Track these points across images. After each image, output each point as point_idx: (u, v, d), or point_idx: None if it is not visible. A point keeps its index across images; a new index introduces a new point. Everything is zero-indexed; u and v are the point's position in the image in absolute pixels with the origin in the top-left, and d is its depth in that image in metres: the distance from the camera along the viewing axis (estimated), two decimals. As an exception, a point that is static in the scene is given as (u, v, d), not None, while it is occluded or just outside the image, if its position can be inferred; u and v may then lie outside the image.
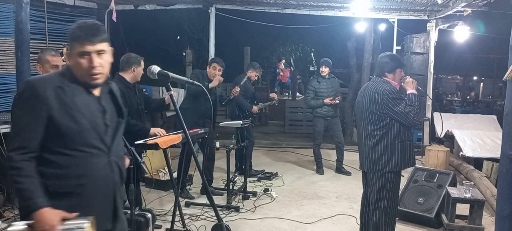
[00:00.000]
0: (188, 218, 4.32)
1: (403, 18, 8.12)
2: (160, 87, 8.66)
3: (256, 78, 6.54)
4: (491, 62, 17.67)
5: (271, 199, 5.17)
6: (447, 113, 9.58)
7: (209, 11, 8.03)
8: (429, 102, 8.05)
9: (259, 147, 8.24)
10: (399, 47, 8.35)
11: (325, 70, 6.35)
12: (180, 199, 4.24)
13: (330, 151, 7.50)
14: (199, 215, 4.47)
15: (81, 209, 1.79)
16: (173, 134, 3.71)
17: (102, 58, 1.84)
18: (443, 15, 7.49)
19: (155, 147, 3.31)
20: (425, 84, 7.84)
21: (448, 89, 21.76)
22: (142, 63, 3.91)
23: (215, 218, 2.28)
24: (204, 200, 4.90)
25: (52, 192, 1.78)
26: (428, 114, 8.10)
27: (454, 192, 4.19)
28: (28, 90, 1.78)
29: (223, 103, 5.59)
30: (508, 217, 2.68)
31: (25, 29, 3.44)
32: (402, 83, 3.44)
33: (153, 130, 3.83)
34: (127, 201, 3.07)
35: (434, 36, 8.01)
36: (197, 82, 2.56)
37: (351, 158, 6.82)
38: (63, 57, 3.56)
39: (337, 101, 6.30)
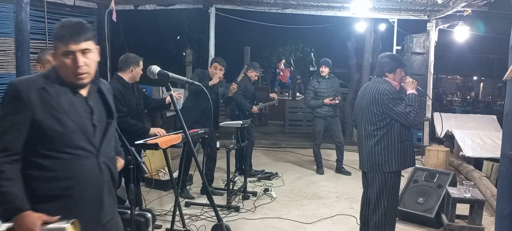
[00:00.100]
0: (188, 218, 4.32)
1: (403, 18, 8.12)
2: (160, 87, 8.66)
3: (256, 78, 6.54)
4: (491, 62, 17.66)
5: (271, 199, 5.17)
6: (447, 113, 9.58)
7: (209, 11, 8.03)
8: (429, 102, 8.05)
9: (259, 147, 8.24)
10: (399, 47, 8.36)
11: (325, 70, 6.35)
12: (180, 199, 4.24)
13: (330, 151, 7.50)
14: (199, 215, 4.47)
15: (70, 211, 1.76)
16: (173, 134, 3.71)
17: (88, 57, 1.80)
18: (443, 15, 7.49)
19: (155, 147, 3.31)
20: (425, 84, 7.84)
21: (448, 89, 21.75)
22: (141, 63, 3.89)
23: (215, 218, 2.27)
24: (204, 200, 4.90)
25: (40, 195, 1.75)
26: (428, 115, 8.10)
27: (454, 192, 4.19)
28: (11, 92, 1.75)
29: (222, 100, 5.59)
30: (508, 217, 2.68)
31: (25, 29, 3.44)
32: (402, 84, 3.44)
33: (153, 130, 3.83)
34: (127, 201, 3.07)
35: (434, 36, 8.01)
36: (197, 82, 2.56)
37: (351, 158, 6.82)
38: None
39: (337, 102, 6.30)
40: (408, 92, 3.36)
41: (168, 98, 4.19)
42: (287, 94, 15.59)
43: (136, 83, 3.98)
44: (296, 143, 9.10)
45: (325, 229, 4.33)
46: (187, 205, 4.78)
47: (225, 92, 5.53)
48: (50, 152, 1.76)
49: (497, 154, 5.39)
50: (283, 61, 16.58)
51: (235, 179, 5.06)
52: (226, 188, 4.84)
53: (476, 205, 4.09)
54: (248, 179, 5.50)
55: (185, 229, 3.75)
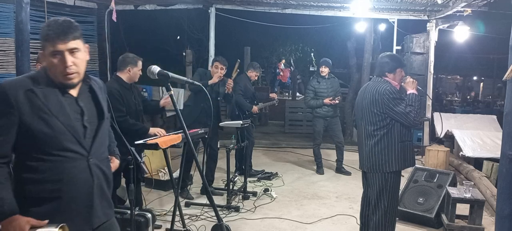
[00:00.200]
0: (188, 218, 4.32)
1: (403, 18, 8.12)
2: (160, 87, 8.66)
3: (256, 78, 6.53)
4: (491, 62, 17.65)
5: (271, 199, 5.17)
6: (447, 113, 9.57)
7: (209, 11, 8.03)
8: (429, 102, 8.05)
9: (259, 147, 8.24)
10: (399, 47, 8.36)
11: (325, 70, 6.35)
12: (180, 199, 4.24)
13: (330, 151, 7.50)
14: (199, 215, 4.47)
15: (59, 214, 1.74)
16: (173, 134, 3.71)
17: (76, 57, 1.76)
18: (443, 15, 7.49)
19: (155, 147, 3.30)
20: (425, 84, 7.84)
21: (448, 89, 21.79)
22: (139, 63, 3.88)
23: (215, 218, 2.28)
24: (204, 200, 4.90)
25: (30, 198, 1.74)
26: (428, 115, 8.10)
27: (454, 192, 4.19)
28: None
29: (219, 97, 5.58)
30: (508, 217, 2.68)
31: (25, 29, 3.44)
32: (403, 84, 3.43)
33: (152, 130, 3.83)
34: (127, 201, 3.07)
35: (434, 36, 8.01)
36: (197, 82, 2.57)
37: (351, 158, 6.82)
38: None
39: (337, 102, 6.30)
40: (408, 92, 3.36)
41: (162, 102, 4.18)
42: (287, 94, 15.59)
43: (134, 84, 3.97)
44: (296, 143, 9.10)
45: (325, 229, 4.33)
46: (187, 205, 4.78)
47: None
48: (40, 154, 1.74)
49: (497, 154, 5.39)
50: (283, 61, 16.58)
51: (235, 179, 5.06)
52: (226, 188, 4.84)
53: (476, 205, 4.09)
54: (248, 179, 5.50)
55: (185, 229, 3.75)
